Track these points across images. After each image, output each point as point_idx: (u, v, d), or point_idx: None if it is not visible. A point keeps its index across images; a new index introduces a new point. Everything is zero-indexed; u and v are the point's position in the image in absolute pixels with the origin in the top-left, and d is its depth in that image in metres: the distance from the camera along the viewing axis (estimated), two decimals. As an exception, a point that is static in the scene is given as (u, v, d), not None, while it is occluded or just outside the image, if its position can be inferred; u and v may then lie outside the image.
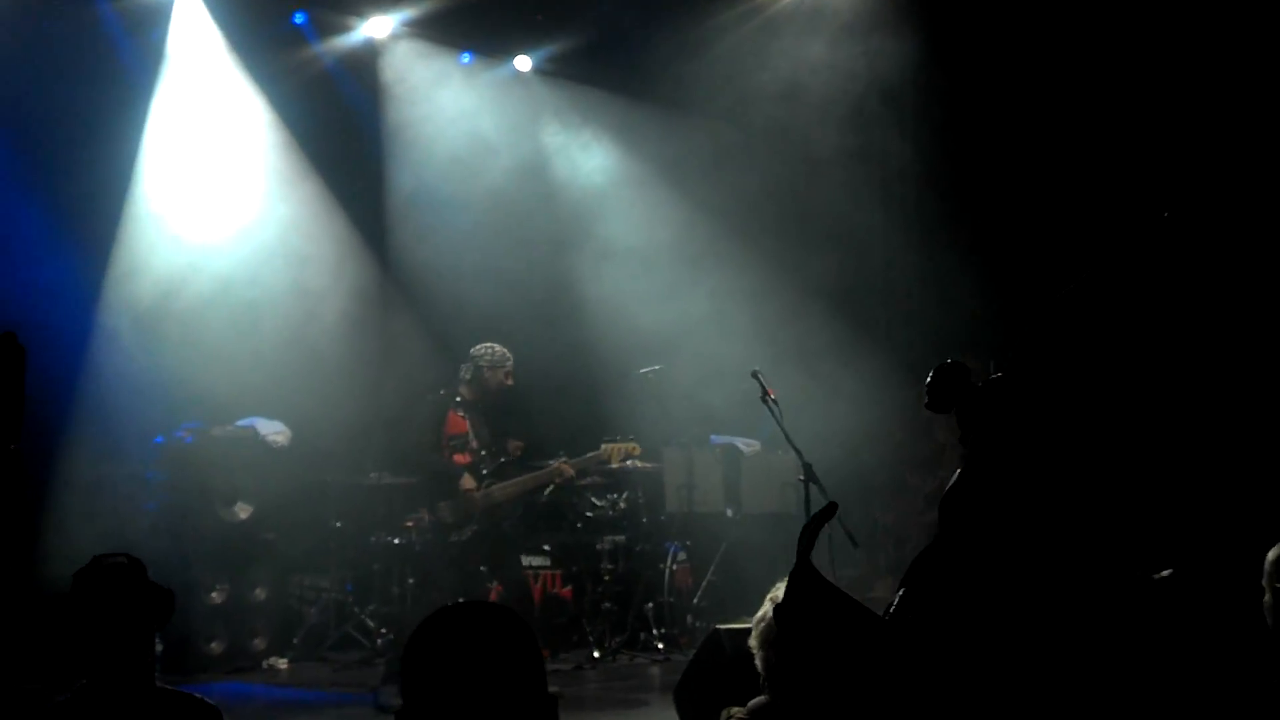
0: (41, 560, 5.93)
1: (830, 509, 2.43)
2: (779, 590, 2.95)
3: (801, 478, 6.47)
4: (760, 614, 2.63)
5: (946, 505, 2.66)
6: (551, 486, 7.74)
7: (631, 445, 7.91)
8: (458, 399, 7.00)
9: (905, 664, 2.29)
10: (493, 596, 7.10)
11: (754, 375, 6.68)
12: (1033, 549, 2.51)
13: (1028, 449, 2.61)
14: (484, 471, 6.98)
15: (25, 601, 4.19)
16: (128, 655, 2.78)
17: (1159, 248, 2.77)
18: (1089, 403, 2.69)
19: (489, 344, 7.08)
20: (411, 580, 7.72)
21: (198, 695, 2.90)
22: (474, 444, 6.97)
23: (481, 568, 7.02)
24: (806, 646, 2.25)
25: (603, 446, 7.77)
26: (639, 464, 8.32)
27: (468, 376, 7.02)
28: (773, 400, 6.58)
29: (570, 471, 7.45)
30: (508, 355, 7.06)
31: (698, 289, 9.44)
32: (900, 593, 2.53)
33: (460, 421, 6.98)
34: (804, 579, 2.30)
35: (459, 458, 6.90)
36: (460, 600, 6.56)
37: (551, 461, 7.51)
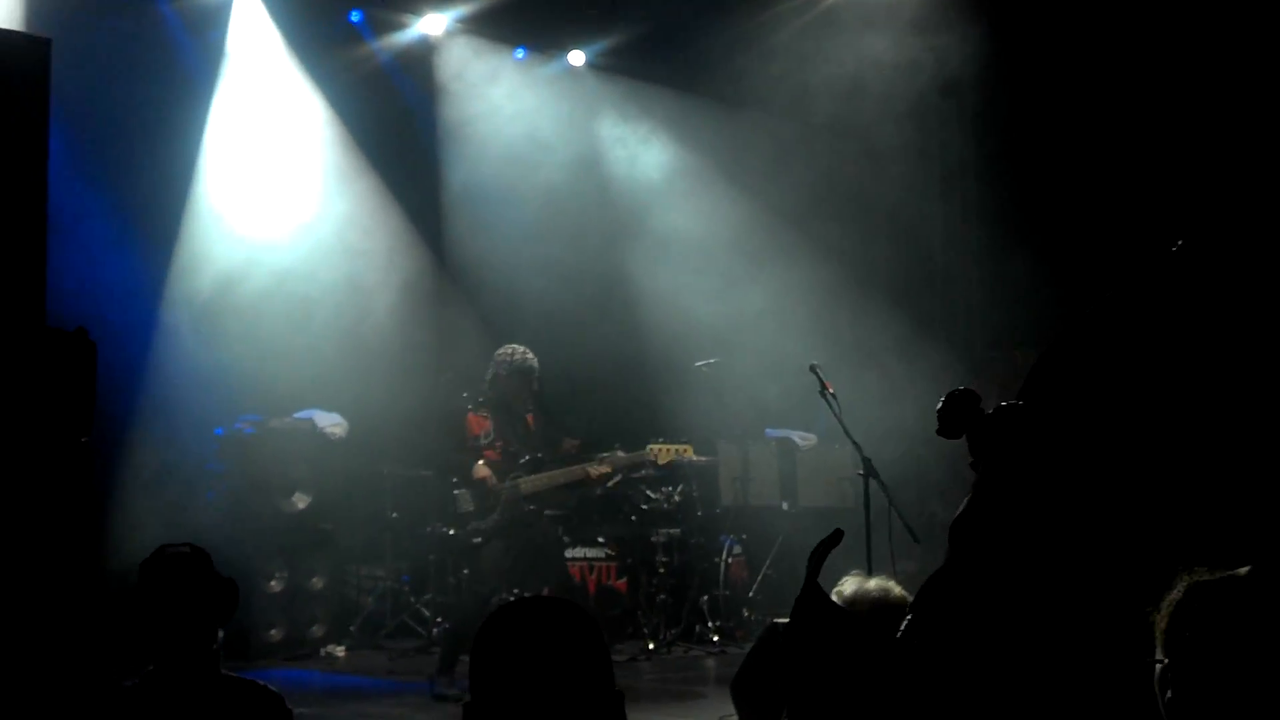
0: (109, 550, 6.04)
1: (836, 536, 2.40)
2: (843, 586, 2.92)
3: (860, 472, 6.42)
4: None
5: (956, 530, 2.61)
6: (600, 485, 7.45)
7: (683, 446, 7.53)
8: (480, 399, 6.87)
9: (913, 690, 2.27)
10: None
11: (812, 369, 6.61)
12: (1044, 576, 2.47)
13: (1039, 475, 2.56)
14: (514, 465, 6.80)
15: (94, 589, 4.26)
16: (193, 642, 2.81)
17: (1180, 273, 2.70)
18: (1104, 428, 2.63)
19: (512, 346, 6.87)
20: (466, 571, 7.76)
21: (261, 682, 2.93)
22: (498, 444, 6.80)
23: (508, 563, 6.75)
24: (813, 671, 2.24)
25: (649, 447, 7.41)
26: (694, 458, 8.27)
27: (489, 376, 6.92)
28: (831, 395, 6.52)
29: (601, 470, 7.04)
30: (529, 361, 6.77)
31: (755, 283, 9.37)
32: (909, 619, 2.49)
33: (481, 422, 6.82)
34: (811, 603, 2.29)
35: (488, 453, 6.79)
36: (499, 589, 6.62)
37: (601, 458, 7.20)
